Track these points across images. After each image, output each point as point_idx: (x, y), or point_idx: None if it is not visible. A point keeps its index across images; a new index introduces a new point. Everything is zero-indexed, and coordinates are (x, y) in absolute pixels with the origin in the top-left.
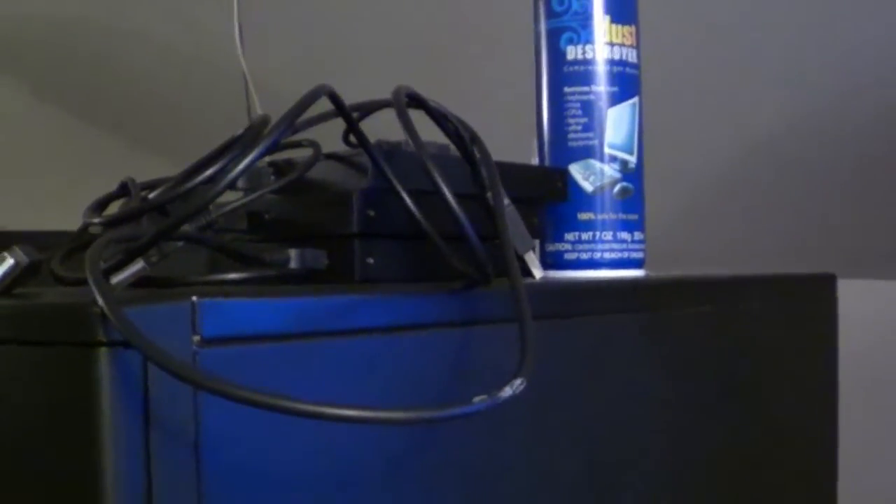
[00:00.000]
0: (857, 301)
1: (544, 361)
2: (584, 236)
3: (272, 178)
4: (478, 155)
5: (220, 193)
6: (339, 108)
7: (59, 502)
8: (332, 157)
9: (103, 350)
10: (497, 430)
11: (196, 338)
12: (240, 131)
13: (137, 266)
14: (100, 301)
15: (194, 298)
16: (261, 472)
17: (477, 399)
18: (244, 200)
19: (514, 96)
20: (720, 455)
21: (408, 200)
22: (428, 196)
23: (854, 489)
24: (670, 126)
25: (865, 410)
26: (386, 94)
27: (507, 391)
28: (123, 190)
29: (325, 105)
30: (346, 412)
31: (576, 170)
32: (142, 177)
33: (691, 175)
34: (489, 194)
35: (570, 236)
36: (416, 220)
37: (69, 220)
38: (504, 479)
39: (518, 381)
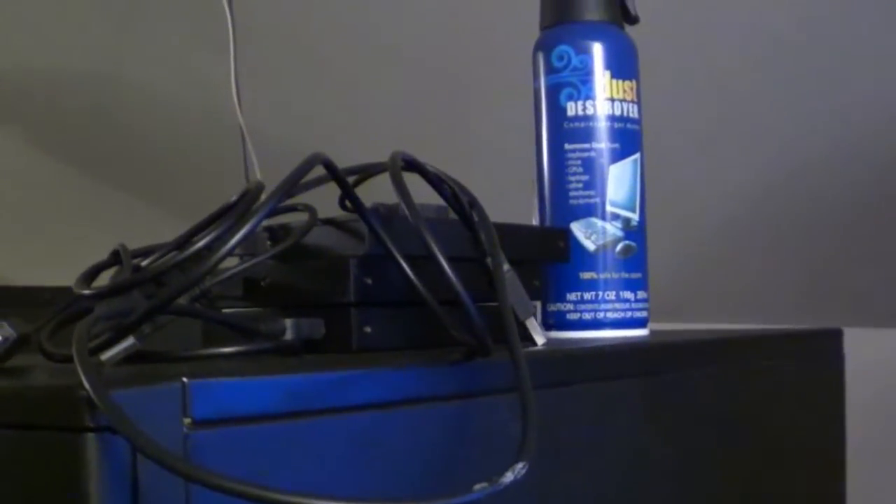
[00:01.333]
0: (862, 350)
1: (546, 429)
2: (587, 296)
3: (268, 243)
4: (476, 219)
5: (214, 266)
6: (335, 176)
7: None
8: (328, 222)
9: (90, 436)
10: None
11: (187, 420)
12: (234, 198)
13: (128, 342)
14: (86, 385)
15: (185, 380)
16: None
17: (477, 487)
18: (240, 268)
19: (514, 154)
20: None
21: (405, 267)
22: (426, 261)
23: None
24: (674, 179)
25: (872, 461)
26: (385, 151)
27: (508, 476)
28: (115, 258)
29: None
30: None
31: (577, 228)
32: (142, 228)
33: (695, 228)
34: (489, 259)
35: (572, 296)
36: (414, 288)
37: (69, 273)
38: None
39: (520, 465)
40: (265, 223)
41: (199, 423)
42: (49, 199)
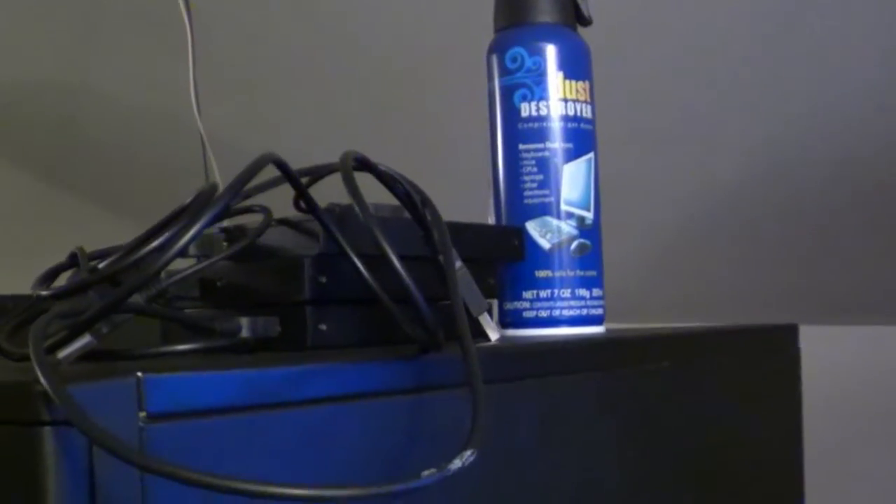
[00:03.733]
0: (819, 347)
1: (500, 424)
2: (543, 294)
3: (224, 244)
4: (429, 218)
5: (166, 265)
6: (287, 175)
7: None
8: (283, 222)
9: (47, 429)
10: (454, 496)
11: (142, 414)
12: (188, 200)
13: (84, 340)
14: (42, 380)
15: (139, 374)
16: None
17: (426, 473)
18: (196, 268)
19: (470, 154)
20: None
21: (359, 265)
22: (380, 260)
23: None
24: (633, 178)
25: (830, 456)
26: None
27: (456, 463)
28: (73, 260)
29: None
30: (291, 491)
31: (532, 227)
32: (103, 235)
33: (655, 226)
34: (441, 257)
35: (528, 294)
36: (367, 285)
37: (29, 281)
38: None
39: (468, 453)
40: (222, 224)
41: (153, 417)
42: (8, 207)
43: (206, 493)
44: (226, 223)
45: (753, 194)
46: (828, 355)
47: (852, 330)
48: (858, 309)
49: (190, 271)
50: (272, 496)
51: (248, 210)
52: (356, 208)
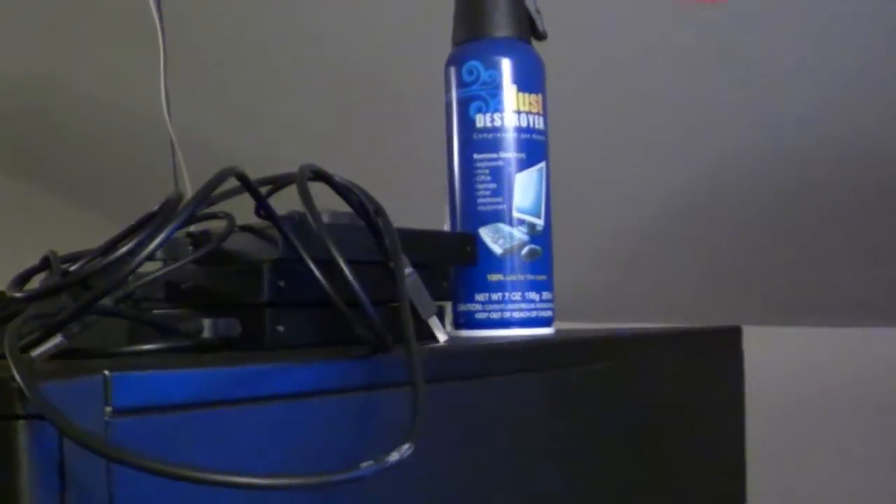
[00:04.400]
0: (763, 348)
1: (445, 421)
2: (494, 297)
3: (190, 248)
4: (381, 225)
5: (136, 268)
6: (248, 187)
7: None
8: (245, 228)
9: (21, 423)
10: (398, 491)
11: (108, 409)
12: (156, 207)
13: (56, 340)
14: (16, 376)
15: (106, 372)
16: None
17: (364, 464)
18: (162, 271)
19: (428, 162)
20: None
21: (315, 270)
22: (335, 265)
23: None
24: (583, 185)
25: (773, 457)
26: (318, 157)
27: (393, 456)
28: (45, 263)
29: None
30: (238, 479)
31: (485, 233)
32: (73, 229)
33: (606, 230)
34: (391, 264)
35: (480, 297)
36: (323, 289)
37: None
38: None
39: (406, 447)
40: (188, 230)
41: (119, 412)
42: None
43: (165, 482)
44: (191, 228)
45: (700, 199)
46: (770, 356)
47: (795, 331)
48: (806, 310)
49: (157, 274)
50: (218, 484)
51: (213, 216)
52: (309, 218)
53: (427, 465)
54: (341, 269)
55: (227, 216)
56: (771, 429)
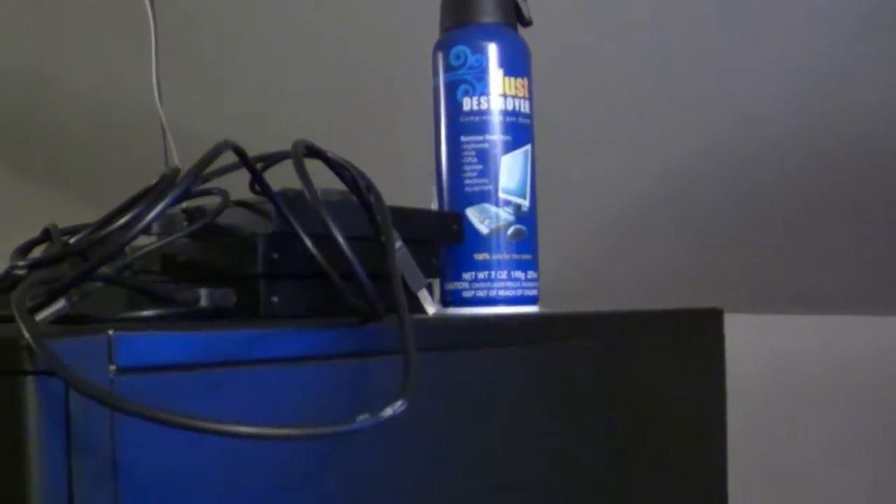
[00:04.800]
0: (744, 334)
1: (434, 391)
2: (481, 275)
3: (185, 223)
4: (373, 201)
5: (133, 238)
6: (243, 161)
7: None
8: (239, 203)
9: (30, 378)
10: (389, 451)
11: (112, 367)
12: (154, 181)
13: (59, 305)
14: (26, 334)
15: (110, 332)
16: (172, 484)
17: (360, 418)
18: (158, 244)
19: (418, 144)
20: (606, 488)
21: (308, 243)
22: (327, 238)
23: None
24: (569, 167)
25: (753, 441)
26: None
27: (388, 411)
28: (46, 235)
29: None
30: (241, 429)
31: (472, 213)
32: (63, 220)
33: (591, 214)
34: (383, 237)
35: (467, 275)
36: (316, 262)
37: None
38: (391, 497)
39: (399, 403)
40: (183, 205)
41: (122, 370)
42: None
43: (169, 433)
44: (186, 204)
45: (683, 186)
46: (751, 342)
47: (775, 318)
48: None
49: (154, 246)
50: (221, 433)
51: (208, 192)
52: (305, 192)
53: (414, 430)
54: (337, 242)
55: (222, 191)
56: (753, 415)
